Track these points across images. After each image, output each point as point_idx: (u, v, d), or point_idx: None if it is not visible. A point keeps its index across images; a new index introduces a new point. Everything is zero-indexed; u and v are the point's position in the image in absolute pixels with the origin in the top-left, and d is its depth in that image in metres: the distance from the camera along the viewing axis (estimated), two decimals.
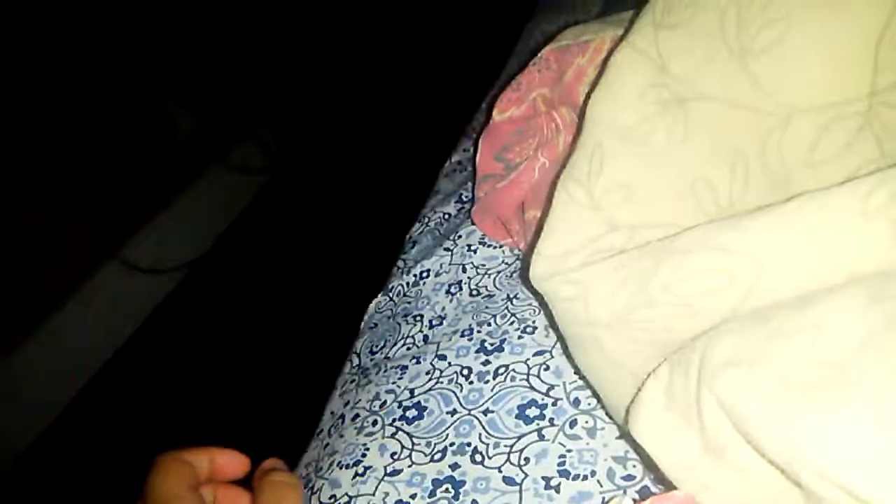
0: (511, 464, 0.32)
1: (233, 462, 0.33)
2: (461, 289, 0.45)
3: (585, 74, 0.41)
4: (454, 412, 0.36)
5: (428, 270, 0.48)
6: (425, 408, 0.37)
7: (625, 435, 0.30)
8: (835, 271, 0.20)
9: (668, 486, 0.24)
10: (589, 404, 0.33)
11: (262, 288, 1.38)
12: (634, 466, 0.30)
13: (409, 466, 0.34)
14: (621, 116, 0.28)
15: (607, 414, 0.33)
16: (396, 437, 0.36)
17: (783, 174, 0.25)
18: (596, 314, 0.25)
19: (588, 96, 0.30)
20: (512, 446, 0.33)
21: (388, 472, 0.34)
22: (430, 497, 0.32)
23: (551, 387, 0.35)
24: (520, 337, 0.39)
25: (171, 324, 1.35)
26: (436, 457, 0.34)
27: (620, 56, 0.29)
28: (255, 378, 1.20)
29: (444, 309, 0.44)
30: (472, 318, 0.42)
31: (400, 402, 0.38)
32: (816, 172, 0.24)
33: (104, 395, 1.25)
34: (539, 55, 0.43)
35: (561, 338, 0.31)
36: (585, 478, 0.31)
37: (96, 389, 1.26)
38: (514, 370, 0.37)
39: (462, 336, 0.40)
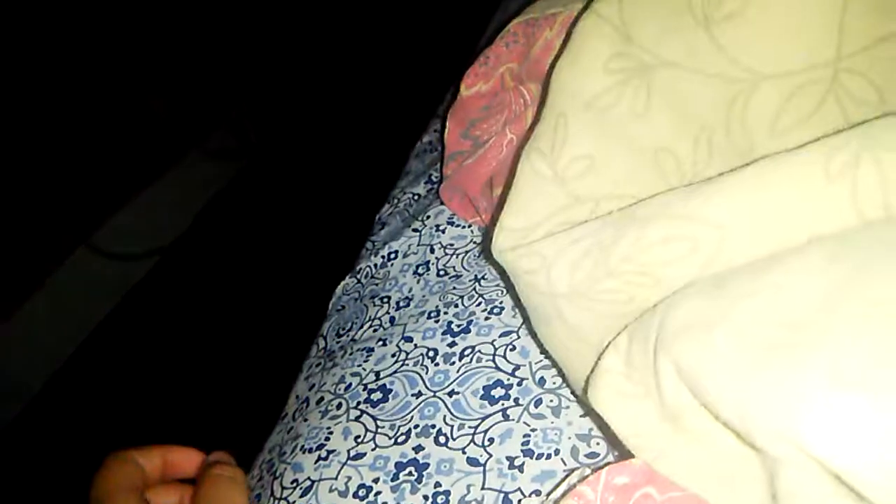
0: (475, 444, 0.32)
1: (187, 459, 0.33)
2: (429, 269, 0.44)
3: (553, 48, 0.40)
4: (419, 394, 0.35)
5: (396, 251, 0.47)
6: (390, 390, 0.36)
7: (587, 409, 0.30)
8: (796, 235, 0.19)
9: (628, 458, 0.24)
10: (554, 383, 0.33)
11: (234, 272, 1.37)
12: (598, 444, 0.30)
13: (373, 450, 0.33)
14: (585, 85, 0.27)
15: (572, 392, 0.32)
16: (361, 420, 0.35)
17: (746, 144, 0.25)
18: (557, 286, 0.25)
19: (552, 65, 0.29)
20: (476, 427, 0.33)
21: (351, 455, 0.33)
22: (392, 480, 0.32)
23: (517, 367, 0.35)
24: (487, 318, 0.38)
25: (141, 309, 1.33)
26: (399, 439, 0.33)
27: (585, 24, 0.28)
28: (225, 363, 1.19)
29: (411, 290, 0.43)
30: (440, 299, 0.41)
31: (365, 385, 0.37)
32: (780, 141, 0.24)
33: (76, 381, 1.23)
34: (506, 28, 0.42)
35: (524, 313, 0.31)
36: (549, 456, 0.30)
37: (67, 376, 1.23)
38: (480, 351, 0.36)
39: (429, 318, 0.40)
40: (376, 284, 0.46)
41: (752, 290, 0.18)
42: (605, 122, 0.27)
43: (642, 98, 0.26)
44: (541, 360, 0.35)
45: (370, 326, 0.42)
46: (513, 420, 0.32)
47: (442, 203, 0.48)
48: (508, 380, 0.34)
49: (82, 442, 1.12)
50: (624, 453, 0.25)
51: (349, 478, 0.32)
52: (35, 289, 1.21)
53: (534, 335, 0.32)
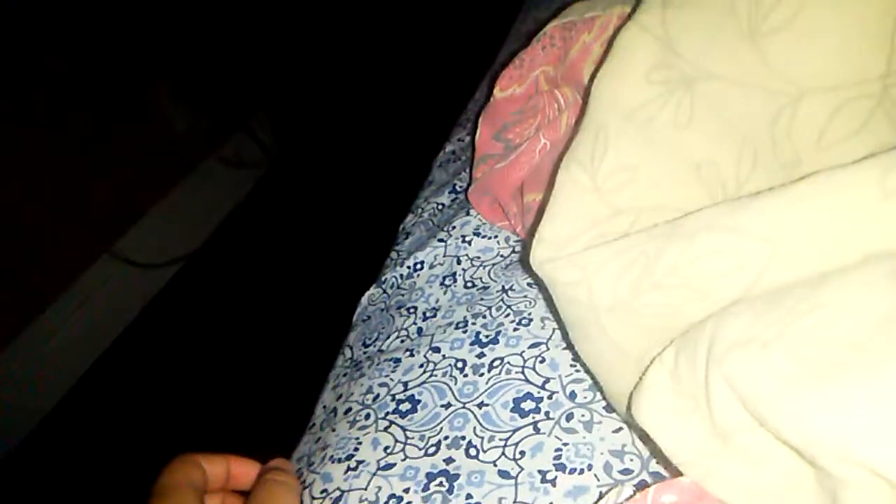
0: (506, 457, 0.32)
1: (249, 471, 0.33)
2: (455, 280, 0.44)
3: (591, 52, 0.39)
4: (448, 405, 0.35)
5: (422, 262, 0.47)
6: (419, 401, 0.36)
7: (627, 423, 0.29)
8: (850, 252, 0.19)
9: (671, 475, 0.24)
10: (585, 398, 0.33)
11: (256, 281, 1.37)
12: (632, 460, 0.30)
13: (403, 460, 0.33)
14: (626, 97, 0.27)
15: (604, 407, 0.32)
16: (389, 430, 0.35)
17: (792, 157, 0.24)
18: (599, 298, 0.25)
19: (593, 75, 0.29)
20: (507, 440, 0.32)
21: (381, 465, 0.33)
22: (423, 491, 0.31)
23: (547, 380, 0.35)
24: (515, 329, 0.38)
25: (164, 318, 1.34)
26: (430, 450, 0.33)
27: (627, 35, 0.28)
28: (248, 372, 1.19)
29: (438, 301, 0.43)
30: (467, 309, 0.41)
31: (393, 396, 0.37)
32: (827, 155, 0.23)
33: (98, 389, 1.24)
34: (543, 31, 0.42)
35: (561, 326, 0.30)
36: (582, 472, 0.30)
37: (90, 384, 1.25)
38: (509, 363, 0.36)
39: (456, 328, 0.40)
40: (402, 295, 0.46)
41: (810, 307, 0.18)
42: (647, 133, 0.26)
43: (685, 110, 0.26)
44: (571, 374, 0.34)
45: (397, 337, 0.42)
46: (544, 434, 0.32)
47: (468, 213, 0.48)
48: (539, 393, 0.34)
49: (105, 449, 1.13)
50: (672, 470, 0.25)
51: (379, 488, 0.32)
52: (58, 296, 1.23)
53: (568, 345, 0.32)
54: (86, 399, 1.22)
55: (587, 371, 0.31)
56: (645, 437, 0.23)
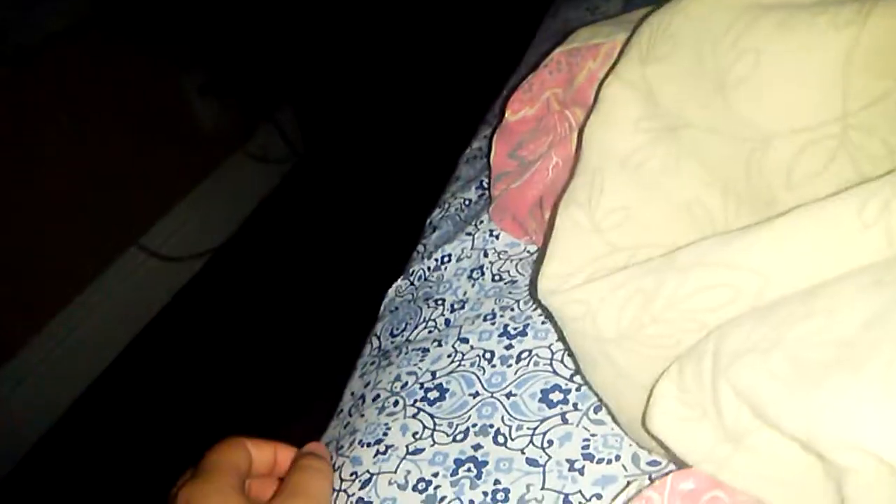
0: (534, 446, 0.32)
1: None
2: (483, 274, 0.45)
3: (597, 79, 0.41)
4: (476, 394, 0.36)
5: (449, 255, 0.47)
6: (447, 389, 0.37)
7: (641, 444, 0.30)
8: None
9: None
10: None
11: (281, 275, 1.39)
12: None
13: (432, 446, 0.34)
14: (617, 145, 0.29)
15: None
16: (418, 417, 0.36)
17: (768, 196, 0.26)
18: (604, 331, 0.26)
19: (584, 123, 0.31)
20: (535, 429, 0.33)
21: (409, 450, 0.34)
22: (452, 476, 0.32)
23: (575, 372, 0.35)
24: (543, 322, 0.38)
25: (190, 311, 1.37)
26: (458, 437, 0.34)
27: (612, 89, 0.30)
28: (273, 364, 1.21)
29: (465, 293, 0.44)
30: (495, 302, 0.41)
31: (421, 384, 0.38)
32: (797, 194, 0.25)
33: (123, 381, 1.26)
34: (549, 57, 0.44)
35: (571, 353, 0.32)
36: (610, 462, 0.30)
37: (115, 375, 1.27)
38: (537, 355, 0.37)
39: (485, 320, 0.40)
40: (430, 287, 0.46)
41: (803, 315, 0.20)
42: (639, 176, 0.29)
43: (672, 156, 0.28)
44: None
45: (425, 328, 0.43)
46: (572, 424, 0.33)
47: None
48: (566, 385, 0.35)
49: (130, 440, 1.15)
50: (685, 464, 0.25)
51: (408, 471, 0.33)
52: (85, 287, 1.25)
53: (581, 375, 0.33)
54: (110, 390, 1.25)
55: (599, 399, 0.32)
56: (661, 447, 0.24)
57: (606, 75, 0.31)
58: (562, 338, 0.35)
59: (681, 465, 0.29)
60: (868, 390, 0.17)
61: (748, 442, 0.21)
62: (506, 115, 0.45)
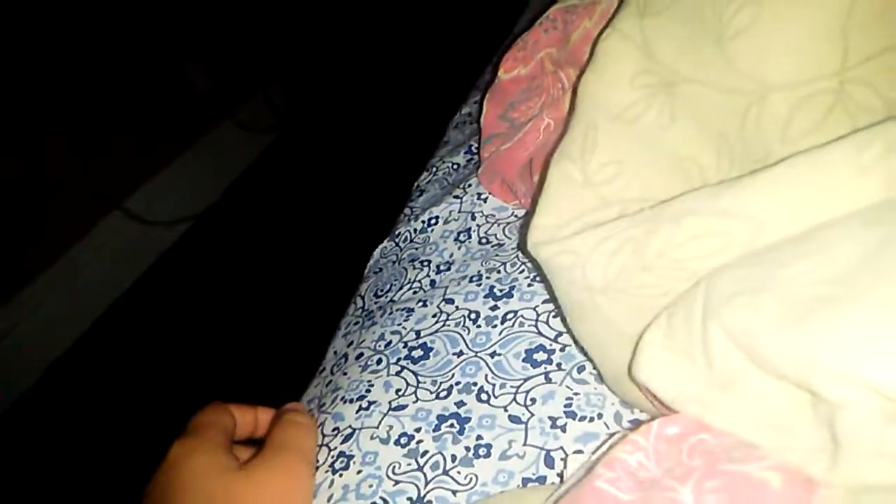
0: (517, 403, 0.32)
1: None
2: (470, 236, 0.44)
3: (591, 38, 0.40)
4: (460, 353, 0.36)
5: (436, 217, 0.47)
6: (431, 349, 0.37)
7: (625, 402, 0.30)
8: None
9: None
10: None
11: (266, 242, 1.38)
12: (642, 411, 0.30)
13: (415, 402, 0.34)
14: (613, 99, 0.29)
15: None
16: (401, 375, 0.36)
17: (762, 152, 0.26)
18: (593, 280, 0.26)
19: (579, 76, 0.31)
20: (518, 387, 0.33)
21: (392, 406, 0.34)
22: (434, 431, 0.32)
23: (560, 333, 0.35)
24: (529, 285, 0.38)
25: (172, 275, 1.35)
26: (441, 394, 0.34)
27: (609, 42, 0.30)
28: (254, 327, 1.20)
29: (452, 255, 0.43)
30: (482, 264, 0.41)
31: (405, 343, 0.38)
32: (793, 147, 0.24)
33: (100, 345, 1.25)
34: (545, 14, 0.43)
35: (558, 307, 0.32)
36: (592, 419, 0.31)
37: (92, 339, 1.26)
38: (522, 316, 0.36)
39: (470, 281, 0.40)
40: (416, 248, 0.46)
41: (795, 256, 0.19)
42: (633, 131, 0.28)
43: (667, 111, 0.28)
44: None
45: (410, 288, 0.42)
46: (555, 383, 0.33)
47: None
48: (551, 345, 0.35)
49: (106, 407, 1.14)
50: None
51: (391, 426, 0.33)
52: (65, 250, 1.23)
53: (568, 329, 0.33)
54: (91, 352, 1.24)
55: (585, 354, 0.32)
56: (645, 402, 0.24)
57: (604, 28, 0.30)
58: (551, 295, 0.35)
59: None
60: (864, 322, 0.17)
61: (737, 387, 0.21)
62: (499, 72, 0.44)
